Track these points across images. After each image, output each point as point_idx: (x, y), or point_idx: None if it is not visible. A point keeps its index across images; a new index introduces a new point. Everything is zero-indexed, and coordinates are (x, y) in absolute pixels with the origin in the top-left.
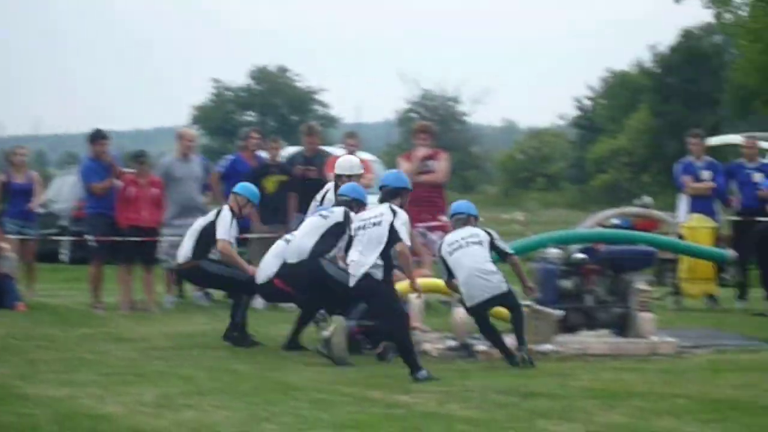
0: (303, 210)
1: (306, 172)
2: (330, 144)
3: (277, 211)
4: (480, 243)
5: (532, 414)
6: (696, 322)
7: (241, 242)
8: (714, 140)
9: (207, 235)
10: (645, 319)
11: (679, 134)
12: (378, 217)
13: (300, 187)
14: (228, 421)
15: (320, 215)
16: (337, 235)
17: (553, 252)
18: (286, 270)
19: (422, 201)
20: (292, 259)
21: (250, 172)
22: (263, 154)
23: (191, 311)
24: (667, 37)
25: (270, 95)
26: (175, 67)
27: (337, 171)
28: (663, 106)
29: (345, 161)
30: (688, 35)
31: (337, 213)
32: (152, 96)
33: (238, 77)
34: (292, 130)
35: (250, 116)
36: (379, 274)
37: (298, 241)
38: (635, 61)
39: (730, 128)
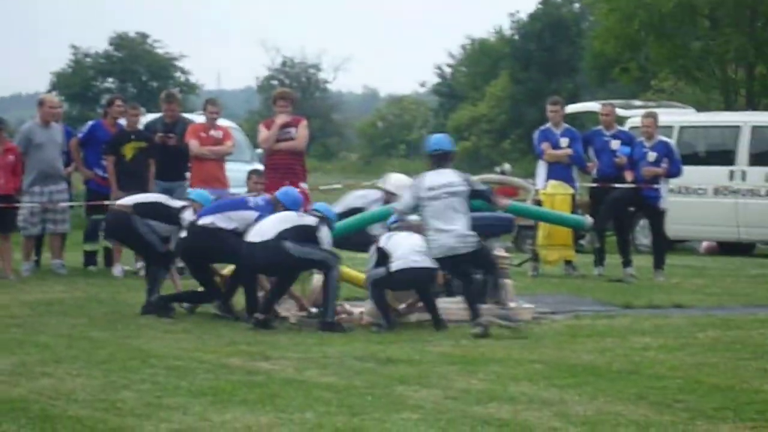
0: (162, 177)
1: (165, 139)
2: (190, 111)
3: (136, 178)
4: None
5: (391, 380)
6: (554, 288)
7: (100, 209)
8: (572, 108)
9: (156, 210)
10: (504, 285)
11: (539, 102)
12: (451, 186)
13: (159, 154)
14: (85, 388)
15: (297, 213)
16: (303, 233)
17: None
18: (249, 249)
19: (282, 168)
20: (255, 239)
21: (109, 139)
22: (122, 121)
23: (49, 279)
24: (527, 5)
25: (130, 62)
26: (32, 34)
27: (391, 189)
28: (523, 74)
29: (398, 180)
30: (547, 3)
31: (312, 219)
32: (9, 62)
33: (98, 43)
34: (153, 96)
35: (110, 83)
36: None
37: (267, 222)
38: (495, 29)
39: (589, 96)
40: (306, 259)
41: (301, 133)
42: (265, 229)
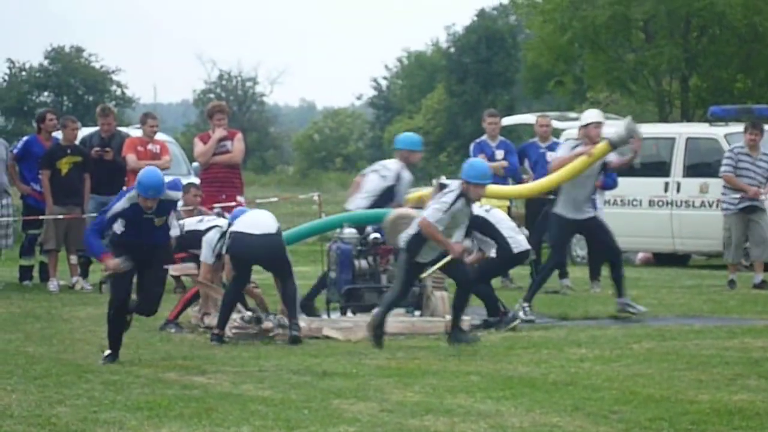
0: (98, 191)
1: (102, 153)
2: (127, 125)
3: (72, 193)
4: None
5: (327, 393)
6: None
7: (36, 225)
8: (508, 120)
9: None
10: (439, 297)
11: (475, 114)
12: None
13: (95, 168)
14: (21, 404)
15: None
16: None
17: (349, 232)
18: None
19: (219, 181)
20: (253, 230)
21: (44, 154)
22: (58, 135)
23: None
24: (462, 18)
25: (66, 75)
26: None
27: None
28: (459, 87)
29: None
30: (483, 15)
31: None
32: None
33: (34, 57)
34: (88, 110)
35: (46, 97)
36: None
37: (260, 215)
38: (431, 41)
39: (525, 108)
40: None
41: (236, 146)
42: (263, 222)
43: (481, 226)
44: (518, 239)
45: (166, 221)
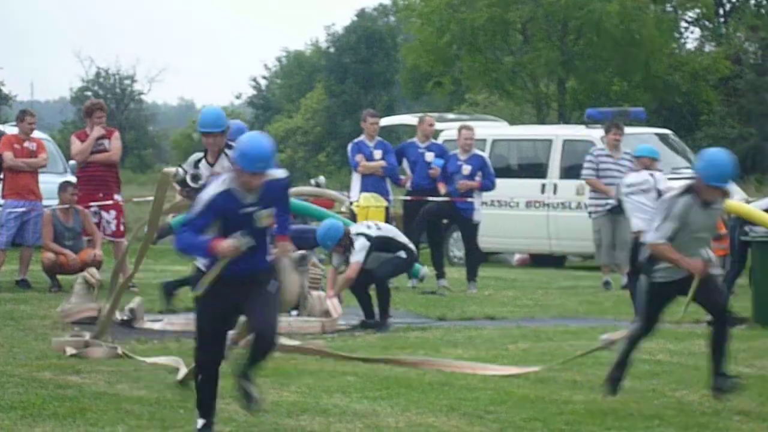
0: None
1: None
2: (3, 122)
3: None
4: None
5: None
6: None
7: None
8: (387, 120)
9: None
10: (316, 297)
11: (354, 114)
12: None
13: None
14: None
15: None
16: None
17: None
18: None
19: (96, 180)
20: None
21: None
22: None
23: None
24: (342, 18)
25: None
26: None
27: None
28: (338, 86)
29: None
30: (363, 16)
31: None
32: None
33: None
34: None
35: None
36: None
37: None
38: (311, 41)
39: (404, 108)
40: None
41: (114, 144)
42: None
43: (383, 245)
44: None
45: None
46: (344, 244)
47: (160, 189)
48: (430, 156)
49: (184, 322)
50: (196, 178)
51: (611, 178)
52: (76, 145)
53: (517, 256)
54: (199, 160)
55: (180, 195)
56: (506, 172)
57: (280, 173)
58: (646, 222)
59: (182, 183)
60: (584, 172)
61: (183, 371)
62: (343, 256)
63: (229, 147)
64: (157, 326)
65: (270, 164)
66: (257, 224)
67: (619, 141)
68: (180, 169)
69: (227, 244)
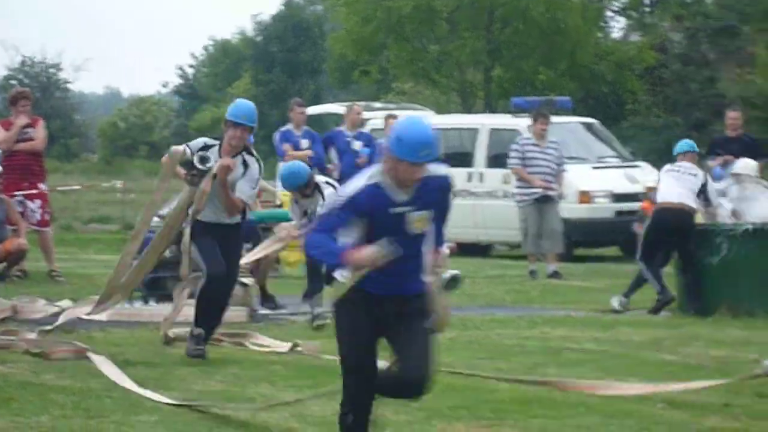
0: None
1: None
2: None
3: None
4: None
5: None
6: (295, 290)
7: None
8: (314, 109)
9: None
10: (244, 287)
11: (281, 103)
12: None
13: None
14: None
15: None
16: None
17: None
18: None
19: (20, 169)
20: None
21: None
22: None
23: None
24: (270, 7)
25: None
26: None
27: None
28: (265, 75)
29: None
30: (290, 5)
31: None
32: None
33: None
34: None
35: None
36: None
37: None
38: (238, 30)
39: (331, 98)
40: None
41: (39, 133)
42: None
43: None
44: None
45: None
46: (306, 192)
47: (166, 170)
48: (357, 145)
49: (110, 312)
50: (204, 160)
51: (537, 167)
52: (0, 133)
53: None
54: (210, 146)
55: (184, 179)
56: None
57: (441, 169)
58: None
59: (188, 165)
60: (510, 161)
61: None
62: (301, 208)
63: (249, 152)
64: (83, 316)
65: (435, 154)
66: (409, 229)
67: (546, 131)
68: (188, 149)
69: (365, 253)
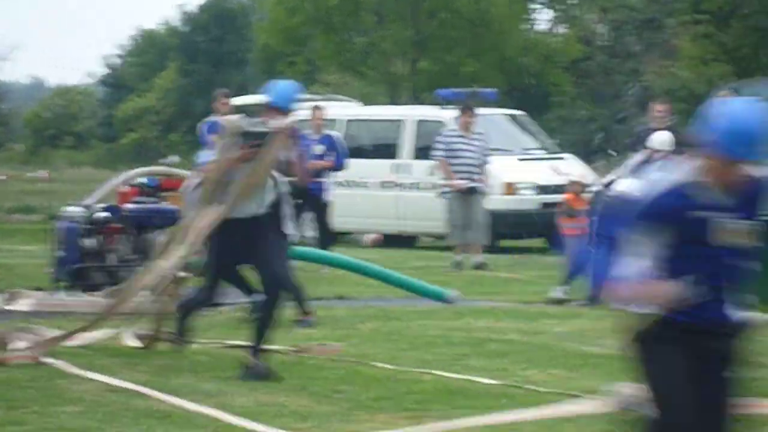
0: None
1: None
2: None
3: None
4: None
5: (52, 373)
6: None
7: None
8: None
9: None
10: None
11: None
12: None
13: None
14: None
15: None
16: None
17: (75, 210)
18: None
19: None
20: None
21: None
22: None
23: None
24: None
25: None
26: None
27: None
28: (191, 66)
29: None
30: None
31: None
32: None
33: None
34: None
35: None
36: None
37: None
38: (164, 20)
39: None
40: None
41: None
42: None
43: None
44: None
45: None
46: None
47: (225, 144)
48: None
49: (33, 302)
50: (260, 124)
51: (463, 158)
52: None
53: (370, 236)
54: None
55: (241, 150)
56: (359, 152)
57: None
58: None
59: (247, 134)
60: (435, 153)
61: None
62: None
63: None
64: (6, 307)
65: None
66: (731, 242)
67: (472, 123)
68: (242, 119)
69: (669, 291)
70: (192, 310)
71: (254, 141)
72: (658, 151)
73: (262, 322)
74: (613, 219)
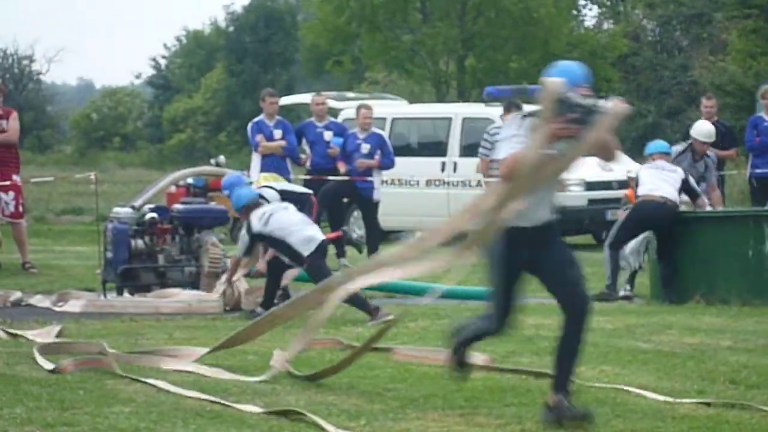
0: None
1: None
2: None
3: None
4: None
5: (103, 374)
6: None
7: None
8: (287, 100)
9: None
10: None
11: (254, 93)
12: None
13: None
14: None
15: None
16: None
17: (125, 211)
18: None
19: None
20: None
21: None
22: None
23: None
24: None
25: None
26: None
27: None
28: (238, 66)
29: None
30: None
31: None
32: None
33: None
34: None
35: None
36: None
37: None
38: (210, 21)
39: (305, 88)
40: None
41: (12, 125)
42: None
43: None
44: None
45: None
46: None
47: (547, 112)
48: (328, 135)
49: (84, 303)
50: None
51: None
52: None
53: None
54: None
55: (561, 123)
56: (406, 150)
57: None
58: None
59: (567, 104)
60: (480, 150)
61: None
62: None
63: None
64: (57, 308)
65: None
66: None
67: None
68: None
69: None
70: (471, 341)
71: (577, 115)
72: (701, 142)
73: (570, 347)
74: None
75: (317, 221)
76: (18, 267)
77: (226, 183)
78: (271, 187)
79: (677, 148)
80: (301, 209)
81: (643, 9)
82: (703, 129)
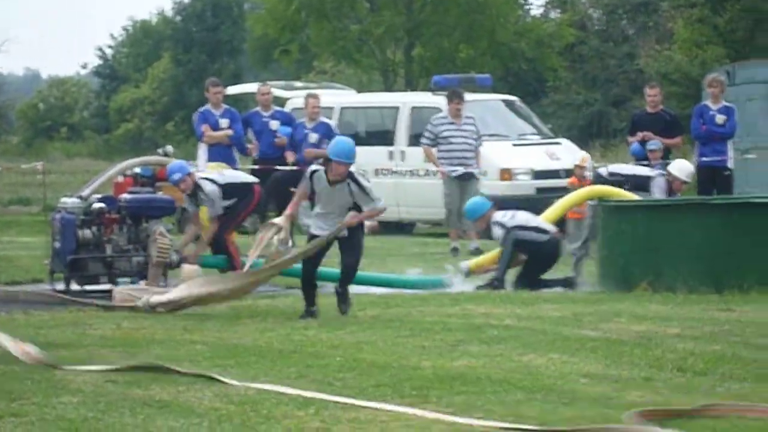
0: None
1: None
2: None
3: None
4: None
5: (48, 366)
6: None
7: None
8: (234, 89)
9: None
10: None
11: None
12: None
13: None
14: None
15: None
16: None
17: (72, 201)
18: None
19: None
20: None
21: None
22: None
23: None
24: None
25: None
26: None
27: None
28: (185, 56)
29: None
30: None
31: None
32: None
33: None
34: None
35: None
36: None
37: None
38: (157, 10)
39: (252, 77)
40: None
41: None
42: None
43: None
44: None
45: None
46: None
47: None
48: (274, 124)
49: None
50: None
51: (455, 144)
52: None
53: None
54: None
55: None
56: (354, 139)
57: None
58: None
59: None
60: (422, 140)
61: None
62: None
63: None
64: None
65: None
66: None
67: (460, 110)
68: None
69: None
70: None
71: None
72: (682, 181)
73: None
74: None
75: (262, 211)
76: None
77: (170, 170)
78: (213, 181)
79: (636, 147)
80: (243, 199)
81: None
82: (684, 168)
